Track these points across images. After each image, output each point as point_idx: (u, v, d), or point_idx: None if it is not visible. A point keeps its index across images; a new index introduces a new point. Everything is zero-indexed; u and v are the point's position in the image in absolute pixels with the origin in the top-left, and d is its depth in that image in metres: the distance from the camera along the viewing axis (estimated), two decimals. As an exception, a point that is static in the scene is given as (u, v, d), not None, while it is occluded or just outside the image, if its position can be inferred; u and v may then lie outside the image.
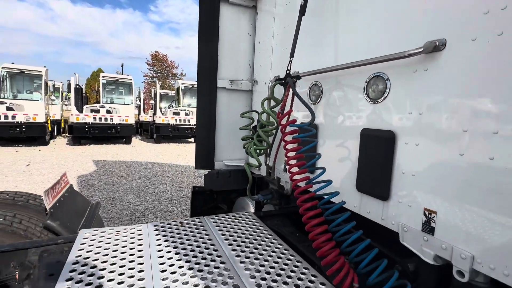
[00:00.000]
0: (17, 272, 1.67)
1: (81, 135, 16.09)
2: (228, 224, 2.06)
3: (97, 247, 1.61)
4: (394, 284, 1.35)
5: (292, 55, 2.19)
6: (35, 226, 2.12)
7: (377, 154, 1.65)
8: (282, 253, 1.69)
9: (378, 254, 1.46)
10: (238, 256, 1.62)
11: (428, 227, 1.36)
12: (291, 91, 2.10)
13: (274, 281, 1.40)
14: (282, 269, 1.51)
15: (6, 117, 13.73)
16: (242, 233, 1.93)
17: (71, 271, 1.33)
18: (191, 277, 1.38)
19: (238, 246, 1.74)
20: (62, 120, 20.61)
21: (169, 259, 1.53)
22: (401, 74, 1.53)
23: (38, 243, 1.74)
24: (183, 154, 14.78)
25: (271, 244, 1.79)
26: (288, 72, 2.18)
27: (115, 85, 19.06)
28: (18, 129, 13.90)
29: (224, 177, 3.34)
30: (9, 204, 2.25)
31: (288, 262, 1.59)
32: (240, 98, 3.46)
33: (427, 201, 1.38)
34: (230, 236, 1.87)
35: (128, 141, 18.08)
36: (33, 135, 14.46)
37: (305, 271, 1.51)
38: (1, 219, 2.00)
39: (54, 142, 17.17)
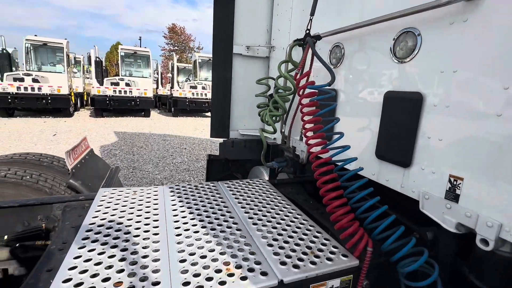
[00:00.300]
0: (43, 224, 1.78)
1: (103, 107, 16.56)
2: (242, 189, 2.07)
3: (115, 205, 1.67)
4: (410, 250, 1.30)
5: (312, 13, 2.03)
6: (59, 185, 2.23)
7: (401, 119, 1.54)
8: (295, 218, 1.67)
9: (395, 221, 1.41)
10: (250, 218, 1.62)
11: (452, 195, 1.28)
12: (310, 52, 1.97)
13: (286, 242, 1.40)
14: (294, 232, 1.50)
15: (32, 88, 14.28)
16: (256, 198, 1.93)
17: (87, 231, 1.37)
18: (204, 234, 1.40)
19: (251, 209, 1.74)
20: (85, 93, 21.20)
21: (183, 218, 1.56)
22: (434, 28, 1.37)
23: (62, 199, 1.82)
24: (200, 127, 14.95)
25: (284, 209, 1.78)
26: (307, 31, 2.04)
27: (133, 58, 19.13)
28: (44, 101, 14.48)
29: (239, 146, 3.33)
30: (35, 164, 2.37)
31: (301, 226, 1.58)
32: (256, 65, 3.34)
33: (453, 167, 1.29)
34: (244, 200, 1.88)
35: (147, 114, 18.45)
36: (58, 106, 15.04)
37: (317, 234, 1.50)
38: (28, 176, 2.11)
39: (78, 114, 17.84)
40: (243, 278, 1.11)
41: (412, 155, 1.48)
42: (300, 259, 1.26)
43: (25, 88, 14.09)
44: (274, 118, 2.50)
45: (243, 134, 3.38)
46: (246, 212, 1.69)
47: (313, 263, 1.25)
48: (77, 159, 2.35)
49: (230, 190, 2.03)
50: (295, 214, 1.73)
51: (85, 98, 21.71)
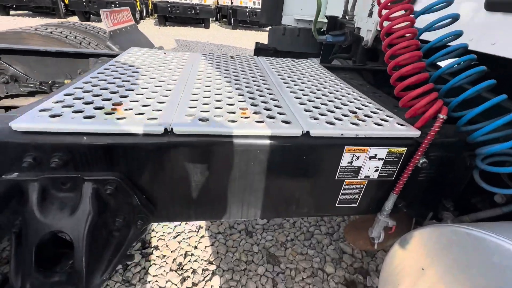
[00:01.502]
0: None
1: (164, 14, 16.43)
2: (284, 64, 1.74)
3: (139, 58, 1.53)
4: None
5: None
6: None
7: None
8: (343, 89, 1.33)
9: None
10: (286, 83, 1.34)
11: None
12: None
13: (324, 104, 1.10)
14: (338, 98, 1.18)
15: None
16: (298, 70, 1.60)
17: (105, 68, 1.25)
18: (227, 87, 1.18)
19: (289, 77, 1.44)
20: (150, 1, 21.10)
21: (208, 73, 1.35)
22: None
23: (96, 53, 1.76)
24: (259, 41, 14.05)
25: (330, 82, 1.43)
26: None
27: (194, -40, 17.54)
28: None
29: (291, 35, 2.84)
30: (82, 30, 2.36)
31: (348, 95, 1.24)
32: None
33: None
34: (282, 70, 1.57)
35: (207, 25, 17.89)
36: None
37: (368, 104, 1.15)
38: (72, 37, 2.11)
39: (143, 23, 18.22)
40: (259, 122, 0.89)
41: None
42: (338, 119, 0.98)
43: None
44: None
45: (299, 19, 2.84)
46: (282, 79, 1.40)
47: (354, 124, 0.95)
48: (117, 25, 2.24)
49: (269, 63, 1.72)
50: (343, 87, 1.37)
51: (150, 7, 21.73)
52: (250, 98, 1.08)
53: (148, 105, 0.92)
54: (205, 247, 2.18)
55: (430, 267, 0.88)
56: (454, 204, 1.09)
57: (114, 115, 0.83)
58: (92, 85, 1.03)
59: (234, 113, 0.93)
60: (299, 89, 1.25)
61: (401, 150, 0.95)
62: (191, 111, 0.91)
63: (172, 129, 0.80)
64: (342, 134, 0.89)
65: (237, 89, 1.16)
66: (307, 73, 1.56)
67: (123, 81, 1.12)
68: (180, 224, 2.34)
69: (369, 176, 0.99)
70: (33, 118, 0.77)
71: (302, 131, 0.87)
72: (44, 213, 0.77)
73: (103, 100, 0.92)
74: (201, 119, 0.86)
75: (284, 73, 1.50)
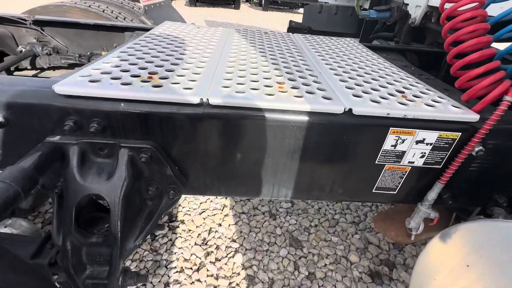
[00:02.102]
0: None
1: (194, -7, 16.32)
2: (321, 41, 1.64)
3: (173, 31, 1.51)
4: None
5: None
6: (136, 26, 2.22)
7: None
8: (387, 68, 1.22)
9: None
10: (324, 60, 1.25)
11: None
12: None
13: (367, 82, 1.02)
14: (382, 77, 1.09)
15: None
16: (336, 48, 1.50)
17: (141, 40, 1.24)
18: (263, 61, 1.13)
19: (327, 54, 1.35)
20: (181, -20, 21.01)
21: (243, 47, 1.30)
22: None
23: (131, 27, 1.77)
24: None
25: (373, 60, 1.32)
26: None
27: None
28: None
29: (328, 13, 2.67)
30: (117, 5, 2.38)
31: (393, 74, 1.14)
32: None
33: None
34: (320, 47, 1.48)
35: (237, 6, 17.55)
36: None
37: (417, 84, 1.05)
38: (109, 12, 2.14)
39: (174, 3, 18.28)
40: (298, 97, 0.83)
41: None
42: (384, 97, 0.90)
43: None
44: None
45: (337, -4, 2.66)
46: (319, 56, 1.32)
47: (402, 104, 0.87)
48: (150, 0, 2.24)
49: (306, 40, 1.63)
50: (387, 66, 1.26)
51: (181, -14, 21.65)
52: (287, 73, 1.02)
53: (183, 75, 0.90)
54: (229, 225, 2.21)
55: (477, 264, 0.81)
56: (508, 199, 0.98)
57: (150, 83, 0.82)
58: (128, 55, 1.03)
59: (271, 86, 0.88)
60: (338, 67, 1.16)
61: (454, 135, 0.85)
62: (227, 83, 0.88)
63: (208, 99, 0.78)
64: (388, 114, 0.82)
65: (273, 63, 1.11)
66: (347, 51, 1.45)
67: (158, 52, 1.10)
68: (206, 201, 2.39)
69: (413, 162, 0.91)
70: (74, 82, 0.77)
71: (344, 109, 0.81)
72: (83, 176, 0.80)
73: (139, 68, 0.92)
74: (237, 91, 0.82)
75: (322, 51, 1.41)
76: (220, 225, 2.20)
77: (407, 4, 1.84)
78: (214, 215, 2.28)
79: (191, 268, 1.86)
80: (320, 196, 1.00)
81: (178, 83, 0.84)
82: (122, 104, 0.77)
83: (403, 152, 0.88)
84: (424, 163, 0.91)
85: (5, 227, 1.19)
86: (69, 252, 0.80)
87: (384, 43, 2.15)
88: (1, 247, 0.65)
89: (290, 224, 2.24)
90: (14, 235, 1.13)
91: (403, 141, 0.85)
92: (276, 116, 0.79)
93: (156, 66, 0.95)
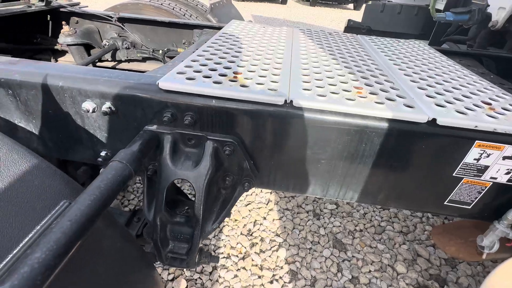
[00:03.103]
0: (186, 46, 1.95)
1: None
2: (388, 43, 1.59)
3: (242, 32, 1.58)
4: None
5: None
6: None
7: None
8: (467, 76, 1.16)
9: None
10: (396, 64, 1.23)
11: None
12: None
13: (448, 91, 0.98)
14: (464, 86, 1.04)
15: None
16: (406, 51, 1.45)
17: (213, 42, 1.33)
18: (335, 64, 1.14)
19: (398, 59, 1.32)
20: (230, -25, 21.38)
21: (312, 49, 1.33)
22: None
23: (200, 25, 1.89)
24: (338, 19, 13.14)
25: (448, 66, 1.26)
26: None
27: None
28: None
29: (391, 12, 2.56)
30: (183, 3, 2.53)
31: (476, 83, 1.08)
32: None
33: None
34: (389, 51, 1.44)
35: (284, 1, 17.41)
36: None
37: (505, 96, 0.99)
38: (178, 9, 2.30)
39: (223, -3, 18.68)
40: (378, 103, 0.84)
41: None
42: (469, 109, 0.86)
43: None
44: None
45: (402, -5, 2.54)
46: (390, 60, 1.29)
47: (491, 116, 0.83)
48: (217, -3, 2.35)
49: (372, 42, 1.60)
50: (466, 73, 1.20)
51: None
52: (363, 77, 1.03)
53: (264, 76, 0.96)
54: (273, 219, 2.28)
55: None
56: None
57: (237, 82, 0.89)
58: (211, 54, 1.12)
59: (350, 91, 0.90)
60: (413, 72, 1.14)
61: (549, 155, 0.80)
62: (307, 85, 0.91)
63: (291, 101, 0.82)
64: (476, 127, 0.79)
65: (346, 67, 1.12)
66: (418, 55, 1.40)
67: (236, 52, 1.18)
68: (251, 194, 2.48)
69: (495, 178, 0.86)
70: (174, 79, 0.87)
71: (428, 118, 0.80)
72: (174, 163, 0.90)
73: (224, 68, 0.99)
74: (318, 94, 0.86)
75: (392, 54, 1.38)
76: (264, 218, 2.28)
77: (488, 6, 1.70)
78: (259, 208, 2.36)
79: (237, 256, 1.97)
80: (387, 203, 1.00)
81: (262, 84, 0.90)
82: (213, 101, 0.85)
83: (486, 167, 0.84)
84: (509, 180, 0.86)
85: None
86: (158, 227, 0.91)
87: (454, 47, 2.02)
88: (114, 218, 0.77)
89: (334, 226, 2.24)
90: (111, 207, 1.31)
91: (488, 155, 0.82)
92: (357, 121, 0.81)
93: (239, 66, 1.02)
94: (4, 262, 0.51)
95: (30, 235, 0.56)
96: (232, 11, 2.67)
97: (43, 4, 1.77)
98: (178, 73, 0.91)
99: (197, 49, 1.36)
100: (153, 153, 0.93)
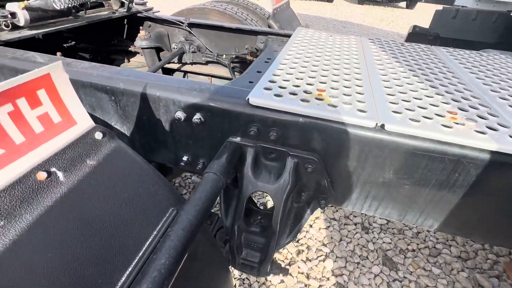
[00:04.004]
0: (248, 52, 1.99)
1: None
2: (469, 57, 1.48)
3: (311, 44, 1.57)
4: None
5: None
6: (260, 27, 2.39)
7: None
8: None
9: None
10: (486, 84, 1.13)
11: None
12: None
13: (557, 121, 0.89)
14: None
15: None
16: (493, 67, 1.33)
17: (285, 59, 1.34)
18: (418, 82, 1.09)
19: (487, 77, 1.22)
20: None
21: (388, 64, 1.28)
22: None
23: (265, 32, 1.92)
24: (388, 18, 12.44)
25: (550, 90, 1.13)
26: None
27: None
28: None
29: (465, 18, 2.36)
30: (244, 7, 2.59)
31: None
32: None
33: None
34: (472, 65, 1.34)
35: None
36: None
37: None
38: (239, 13, 2.36)
39: (268, -5, 18.66)
40: (479, 133, 0.79)
41: None
42: None
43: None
44: None
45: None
46: (478, 78, 1.20)
47: None
48: (279, 2, 2.36)
49: (451, 55, 1.49)
50: None
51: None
52: (453, 100, 0.97)
53: (349, 95, 0.95)
54: (320, 228, 2.25)
55: None
56: None
57: (324, 101, 0.89)
58: (289, 68, 1.13)
59: (443, 116, 0.86)
60: (509, 95, 1.04)
61: None
62: (395, 107, 0.89)
63: (383, 124, 0.81)
64: None
65: (431, 86, 1.06)
66: (509, 72, 1.28)
67: (312, 65, 1.18)
68: (297, 200, 2.47)
69: None
70: (262, 95, 0.90)
71: (540, 154, 0.73)
72: (254, 175, 0.93)
73: (307, 84, 1.00)
74: (411, 119, 0.83)
75: (478, 71, 1.28)
76: (311, 226, 2.26)
77: None
78: (305, 215, 2.35)
79: (283, 261, 1.99)
80: (470, 235, 0.94)
81: (350, 104, 0.89)
82: (300, 119, 0.86)
83: None
84: None
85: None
86: (235, 234, 0.96)
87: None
88: (206, 224, 0.83)
89: (384, 242, 2.15)
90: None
91: None
92: (454, 150, 0.77)
93: (321, 82, 1.02)
94: (134, 263, 0.58)
95: (149, 240, 0.62)
96: (291, 15, 2.67)
97: (125, 10, 1.92)
98: (265, 88, 0.94)
99: (269, 59, 1.39)
100: (236, 164, 0.97)
